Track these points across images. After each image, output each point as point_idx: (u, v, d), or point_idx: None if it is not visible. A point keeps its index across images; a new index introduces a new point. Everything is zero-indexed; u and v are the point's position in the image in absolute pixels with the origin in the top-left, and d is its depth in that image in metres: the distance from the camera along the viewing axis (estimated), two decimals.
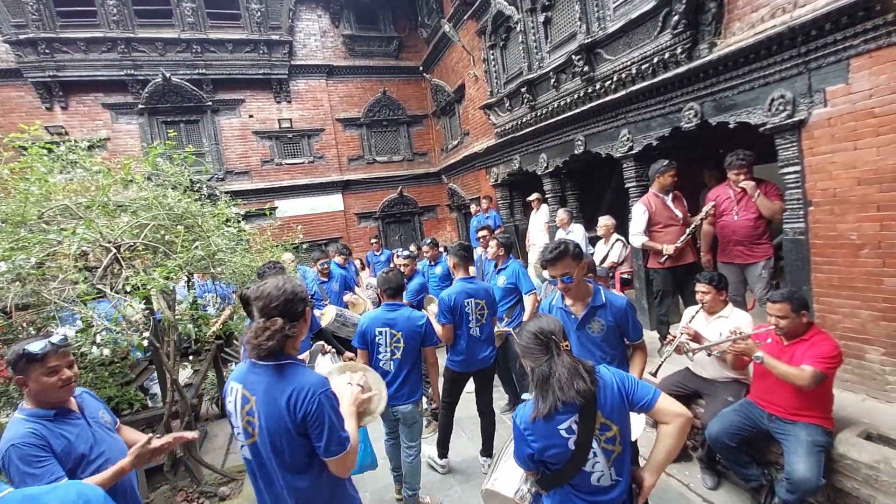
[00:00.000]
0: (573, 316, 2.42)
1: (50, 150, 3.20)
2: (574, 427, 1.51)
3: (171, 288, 2.84)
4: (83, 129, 8.74)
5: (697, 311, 3.15)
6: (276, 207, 9.38)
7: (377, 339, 2.91)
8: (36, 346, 1.68)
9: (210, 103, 9.57)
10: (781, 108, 3.25)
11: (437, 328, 3.26)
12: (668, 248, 3.98)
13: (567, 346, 1.58)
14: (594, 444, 1.53)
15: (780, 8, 3.21)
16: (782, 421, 2.57)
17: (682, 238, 3.96)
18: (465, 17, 8.09)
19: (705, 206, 3.91)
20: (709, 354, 2.99)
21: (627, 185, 5.00)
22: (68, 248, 2.63)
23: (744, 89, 3.54)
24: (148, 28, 9.02)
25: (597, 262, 4.75)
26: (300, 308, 1.58)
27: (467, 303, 3.31)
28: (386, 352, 2.90)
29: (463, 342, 3.33)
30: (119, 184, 3.41)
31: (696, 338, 2.95)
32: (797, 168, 3.25)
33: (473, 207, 8.54)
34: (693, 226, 3.96)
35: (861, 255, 2.95)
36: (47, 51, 8.40)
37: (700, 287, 3.11)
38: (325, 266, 5.60)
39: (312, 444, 1.51)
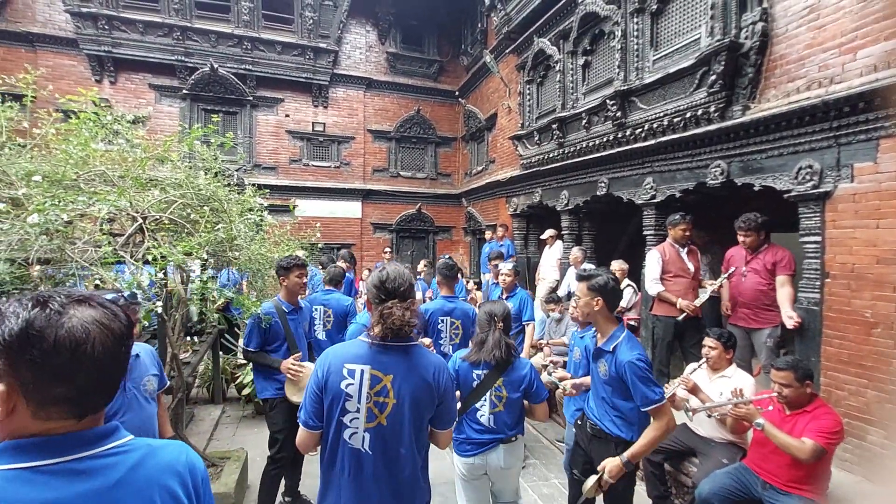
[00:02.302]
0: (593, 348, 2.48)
1: (96, 116, 3.35)
2: (481, 376, 2.35)
3: (188, 265, 2.91)
4: (127, 104, 9.08)
5: (700, 366, 3.12)
6: (297, 205, 9.54)
7: (439, 326, 3.40)
8: (112, 295, 1.71)
9: (251, 98, 9.91)
10: (808, 177, 3.28)
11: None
12: (683, 303, 3.95)
13: (501, 326, 2.34)
14: (487, 394, 2.34)
15: (817, 82, 3.28)
16: (776, 490, 2.50)
17: (700, 300, 3.92)
18: (507, 51, 8.33)
19: (725, 272, 3.87)
20: (709, 416, 2.93)
21: (645, 233, 5.02)
22: (98, 212, 2.73)
23: (772, 154, 3.58)
24: (204, 20, 9.45)
25: None
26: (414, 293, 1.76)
27: (442, 320, 3.48)
28: (445, 338, 3.43)
29: None
30: (155, 160, 3.54)
31: (694, 390, 2.92)
32: (818, 238, 3.25)
33: (488, 234, 8.61)
34: (714, 287, 3.90)
35: (874, 333, 2.91)
36: (106, 27, 8.83)
37: (708, 342, 3.08)
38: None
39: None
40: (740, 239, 3.70)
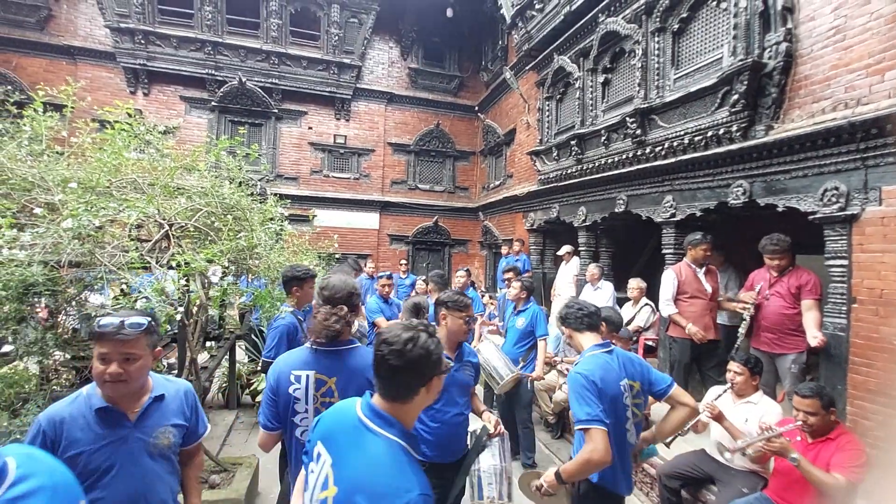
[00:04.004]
0: None
1: (130, 127, 3.50)
2: None
3: (210, 271, 2.99)
4: (158, 115, 9.43)
5: (725, 392, 3.03)
6: (316, 215, 9.73)
7: None
8: (105, 320, 1.42)
9: (276, 111, 10.20)
10: (834, 199, 3.21)
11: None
12: (692, 329, 3.89)
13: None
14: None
15: (843, 103, 3.23)
16: None
17: (741, 330, 3.75)
18: (527, 68, 8.41)
19: (751, 291, 3.77)
20: (743, 454, 2.81)
21: (664, 251, 4.95)
22: (127, 218, 2.84)
23: (797, 175, 3.51)
24: (235, 35, 9.82)
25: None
26: (357, 301, 1.88)
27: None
28: None
29: None
30: (183, 169, 3.68)
31: (719, 417, 2.83)
32: (844, 262, 3.16)
33: (504, 249, 8.60)
34: (748, 312, 3.72)
35: None
36: (142, 41, 9.24)
37: (733, 367, 2.99)
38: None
39: None
40: (768, 261, 3.60)
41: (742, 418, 2.86)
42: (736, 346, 3.68)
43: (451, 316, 2.40)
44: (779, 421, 2.69)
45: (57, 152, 3.30)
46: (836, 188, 3.19)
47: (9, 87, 3.46)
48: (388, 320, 4.54)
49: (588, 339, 2.24)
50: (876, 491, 2.59)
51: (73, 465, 1.35)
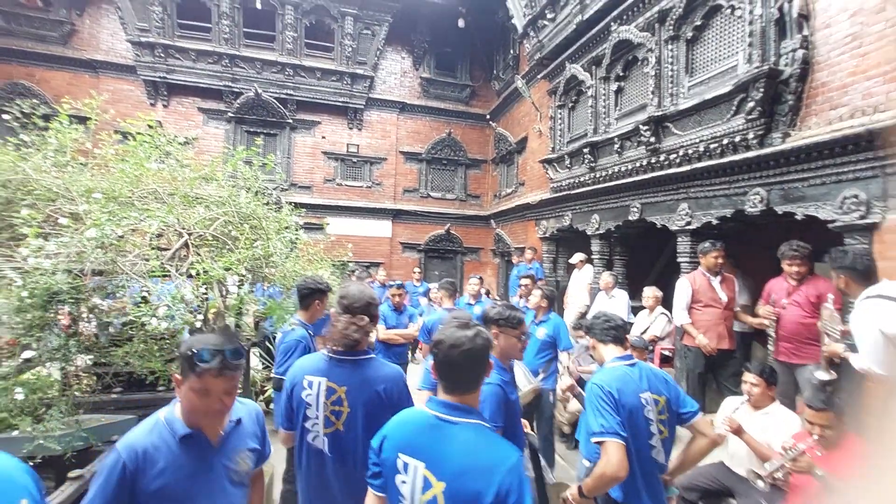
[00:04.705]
0: None
1: (151, 138, 3.59)
2: None
3: (227, 280, 3.04)
4: (177, 126, 9.66)
5: (742, 404, 2.97)
6: (329, 223, 9.82)
7: None
8: (205, 355, 1.29)
9: (290, 121, 10.38)
10: (853, 207, 3.15)
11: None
12: (702, 340, 3.88)
13: None
14: None
15: (860, 110, 3.18)
16: None
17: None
18: (539, 76, 8.44)
19: (766, 303, 3.71)
20: (773, 481, 2.72)
21: (680, 260, 4.90)
22: (148, 227, 2.90)
23: (815, 183, 3.46)
24: (251, 48, 10.05)
25: (636, 333, 4.62)
26: (375, 311, 1.91)
27: None
28: None
29: None
30: (201, 179, 3.75)
31: (738, 431, 2.78)
32: None
33: (515, 258, 8.58)
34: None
35: None
36: (162, 55, 9.51)
37: (749, 378, 2.95)
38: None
39: None
40: (786, 268, 3.55)
41: (760, 429, 2.81)
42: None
43: (503, 334, 2.13)
44: (795, 433, 2.63)
45: (81, 163, 3.40)
46: (856, 196, 3.14)
47: (34, 101, 3.57)
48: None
49: (610, 352, 2.20)
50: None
51: (160, 497, 1.31)
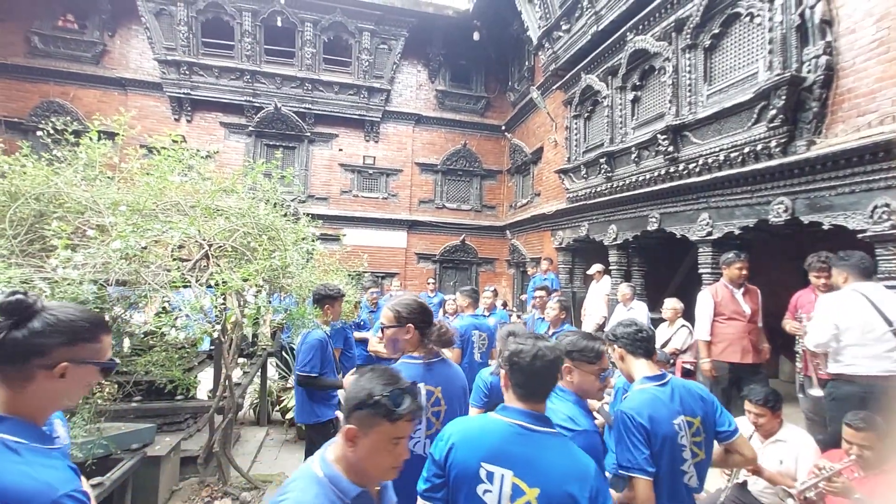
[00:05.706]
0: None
1: (175, 153, 3.69)
2: None
3: (245, 290, 3.08)
4: (199, 140, 9.93)
5: (751, 436, 2.80)
6: (345, 234, 9.92)
7: (472, 338, 4.02)
8: (402, 398, 1.14)
9: (308, 134, 10.58)
10: (885, 216, 3.04)
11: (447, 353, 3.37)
12: (705, 364, 3.92)
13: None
14: None
15: (890, 116, 3.09)
16: None
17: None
18: (554, 87, 8.45)
19: (793, 316, 3.60)
20: (804, 499, 2.58)
21: (701, 271, 4.79)
22: (170, 239, 2.97)
23: (843, 192, 3.36)
24: (272, 64, 10.31)
25: (657, 346, 4.51)
26: (430, 318, 2.01)
27: (474, 333, 4.09)
28: (476, 348, 4.03)
29: (465, 363, 3.95)
30: (222, 191, 3.84)
31: (758, 472, 2.61)
32: None
33: (530, 268, 8.51)
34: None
35: None
36: (187, 72, 9.83)
37: (751, 408, 2.77)
38: (375, 296, 5.84)
39: None
40: (814, 280, 3.43)
41: (776, 460, 2.66)
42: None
43: (578, 370, 1.81)
44: (826, 453, 2.50)
45: (108, 177, 3.51)
46: (887, 205, 3.03)
47: (67, 118, 3.72)
48: None
49: (641, 368, 1.97)
50: None
51: None
